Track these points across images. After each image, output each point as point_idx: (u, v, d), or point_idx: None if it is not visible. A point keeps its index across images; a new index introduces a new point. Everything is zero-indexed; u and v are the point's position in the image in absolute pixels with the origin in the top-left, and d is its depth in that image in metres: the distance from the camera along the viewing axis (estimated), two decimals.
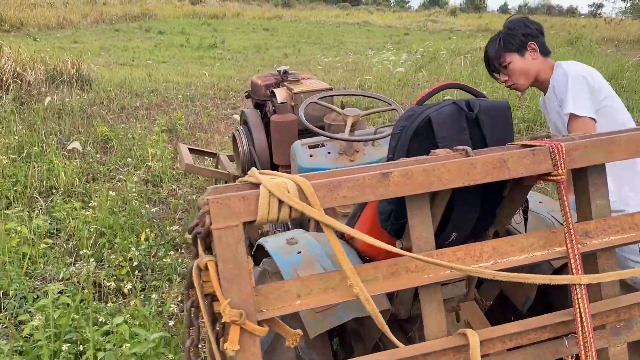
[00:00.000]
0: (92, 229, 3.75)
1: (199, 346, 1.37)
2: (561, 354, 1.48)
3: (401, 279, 1.34)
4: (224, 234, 1.19)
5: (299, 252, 1.82)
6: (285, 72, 3.34)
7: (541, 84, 2.50)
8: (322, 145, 2.63)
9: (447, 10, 28.13)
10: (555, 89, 2.36)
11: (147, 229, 3.70)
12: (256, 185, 1.28)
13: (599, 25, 21.93)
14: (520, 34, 2.43)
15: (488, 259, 1.38)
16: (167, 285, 3.21)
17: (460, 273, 1.33)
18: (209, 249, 1.26)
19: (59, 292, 2.69)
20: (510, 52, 2.43)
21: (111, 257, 3.39)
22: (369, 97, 2.90)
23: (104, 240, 3.61)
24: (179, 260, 3.48)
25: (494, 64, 2.49)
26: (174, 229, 3.83)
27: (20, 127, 5.90)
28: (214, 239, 1.19)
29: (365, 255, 1.91)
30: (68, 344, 2.40)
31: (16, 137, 5.53)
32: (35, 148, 5.11)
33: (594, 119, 2.21)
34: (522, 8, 52.54)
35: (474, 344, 1.31)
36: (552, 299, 2.00)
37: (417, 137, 1.52)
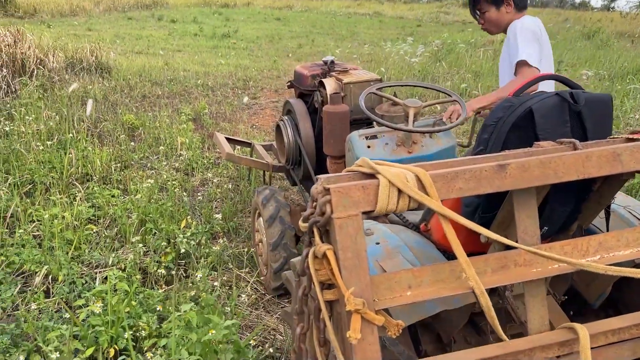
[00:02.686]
0: (133, 216, 3.75)
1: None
2: None
3: (510, 273, 1.33)
4: (344, 223, 1.18)
5: (377, 244, 1.80)
6: (332, 62, 3.31)
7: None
8: (379, 137, 2.61)
9: (460, 1, 27.90)
10: (510, 34, 2.80)
11: (188, 217, 3.70)
12: (369, 175, 1.27)
13: (614, 19, 21.72)
14: None
15: (595, 254, 1.37)
16: (214, 274, 3.21)
17: (571, 267, 1.32)
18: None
19: (116, 279, 2.69)
20: (489, 4, 2.88)
21: (157, 242, 3.39)
22: (429, 88, 2.88)
23: (150, 227, 3.61)
24: (224, 248, 3.48)
25: (474, 9, 2.97)
26: (215, 217, 3.83)
27: (53, 113, 5.89)
28: (335, 228, 1.18)
29: (444, 249, 1.90)
30: (129, 331, 2.40)
31: (49, 124, 5.52)
32: (70, 135, 5.10)
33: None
34: (533, 0, 52.06)
35: (584, 338, 1.30)
36: (625, 297, 1.99)
37: (516, 129, 1.50)
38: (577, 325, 1.33)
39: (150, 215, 3.77)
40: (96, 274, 3.26)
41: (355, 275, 1.19)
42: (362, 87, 3.07)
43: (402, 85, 2.99)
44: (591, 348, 1.42)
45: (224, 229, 3.92)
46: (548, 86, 2.70)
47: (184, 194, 4.29)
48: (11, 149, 4.67)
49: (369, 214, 1.22)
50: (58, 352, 2.33)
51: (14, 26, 8.93)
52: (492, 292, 1.87)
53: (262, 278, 3.37)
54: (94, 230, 3.66)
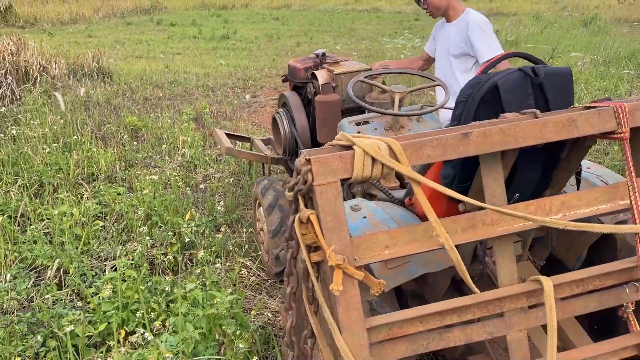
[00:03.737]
0: (139, 211, 3.90)
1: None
2: (622, 301, 1.60)
3: (478, 231, 1.47)
4: (324, 189, 1.32)
5: (365, 217, 1.94)
6: (324, 54, 3.45)
7: (448, 17, 3.34)
8: (368, 122, 2.75)
9: None
10: (471, 27, 3.15)
11: (192, 209, 3.85)
12: (347, 147, 1.41)
13: (612, 5, 21.72)
14: None
15: (557, 212, 1.50)
16: (218, 261, 3.35)
17: (534, 224, 1.46)
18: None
19: (125, 267, 2.84)
20: None
21: (163, 234, 3.54)
22: (413, 74, 3.01)
23: (155, 220, 3.76)
24: (227, 238, 3.62)
25: None
26: (218, 209, 3.98)
27: (58, 117, 6.06)
28: (316, 194, 1.31)
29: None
30: (139, 312, 2.55)
31: (54, 128, 5.68)
32: (75, 137, 5.26)
33: None
34: None
35: (548, 289, 1.43)
36: (603, 258, 2.12)
37: (484, 103, 1.64)
38: (542, 277, 1.47)
39: (156, 209, 3.92)
40: (105, 266, 3.41)
41: (336, 236, 1.33)
42: (352, 77, 3.21)
43: (387, 73, 3.13)
44: (560, 299, 1.55)
45: (227, 220, 4.06)
46: None
47: (187, 188, 4.44)
48: (19, 153, 4.83)
49: (345, 181, 1.36)
50: (72, 336, 2.48)
51: (16, 35, 9.11)
52: (474, 259, 2.01)
53: (264, 265, 3.51)
54: (101, 226, 3.81)
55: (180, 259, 3.40)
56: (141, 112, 7.48)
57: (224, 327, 2.25)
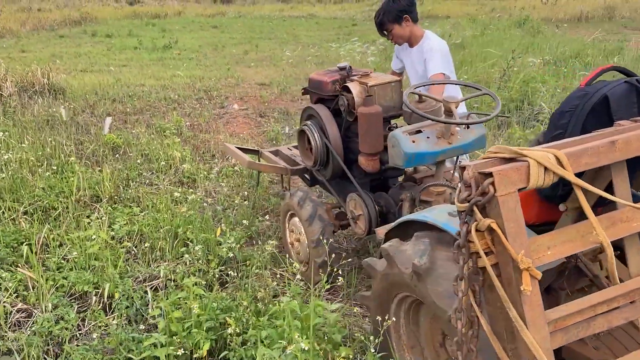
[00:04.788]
0: (162, 230, 3.86)
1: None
2: None
3: (618, 228, 1.65)
4: (506, 199, 1.45)
5: None
6: (350, 67, 3.57)
7: (410, 43, 3.95)
8: (420, 132, 2.90)
9: None
10: (426, 51, 3.80)
11: (222, 224, 3.85)
12: (508, 160, 1.54)
13: (536, 6, 23.08)
14: (396, 10, 3.77)
15: None
16: (263, 273, 3.39)
17: None
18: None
19: (194, 284, 2.83)
20: (391, 23, 3.83)
21: (198, 251, 3.53)
22: (465, 85, 3.20)
23: (185, 237, 3.75)
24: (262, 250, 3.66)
25: (381, 30, 3.91)
26: (243, 223, 4.00)
27: (32, 139, 5.82)
28: (499, 204, 1.44)
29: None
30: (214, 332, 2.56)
31: (38, 152, 5.47)
32: (61, 159, 5.10)
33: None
34: None
35: None
36: None
37: (593, 113, 1.82)
38: None
39: (180, 227, 3.90)
40: (146, 287, 3.37)
41: (518, 241, 1.47)
42: (385, 89, 3.36)
43: (438, 84, 3.31)
44: None
45: (249, 234, 4.10)
46: (456, 90, 3.79)
47: (205, 204, 4.43)
48: (14, 178, 4.64)
49: (521, 190, 1.50)
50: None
51: None
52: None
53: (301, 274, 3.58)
54: (128, 247, 3.76)
55: (226, 274, 3.41)
56: (112, 129, 7.30)
57: (333, 335, 2.32)
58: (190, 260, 3.50)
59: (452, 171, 3.24)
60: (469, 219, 1.51)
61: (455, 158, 3.20)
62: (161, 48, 16.35)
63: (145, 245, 3.75)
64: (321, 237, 3.37)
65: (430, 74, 3.74)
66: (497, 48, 10.93)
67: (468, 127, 2.95)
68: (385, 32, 3.92)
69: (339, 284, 2.89)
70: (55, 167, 5.04)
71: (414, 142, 2.84)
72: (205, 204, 4.50)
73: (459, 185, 1.52)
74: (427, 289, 2.03)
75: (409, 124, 3.22)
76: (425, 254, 2.07)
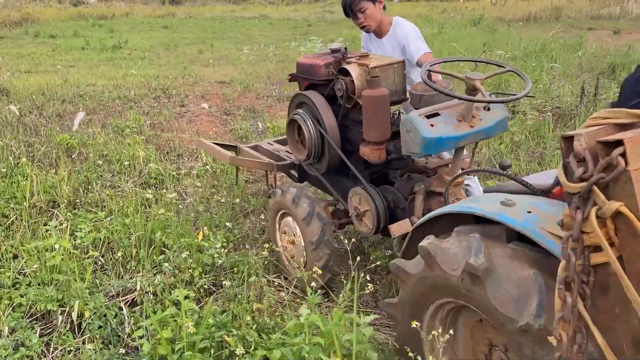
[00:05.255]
0: (134, 236, 3.39)
1: None
2: None
3: None
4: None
5: (529, 212, 1.77)
6: (346, 49, 3.22)
7: (380, 31, 3.59)
8: (438, 114, 2.57)
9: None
10: (401, 37, 3.50)
11: (204, 227, 3.41)
12: (626, 126, 1.23)
13: (485, 7, 23.41)
14: None
15: None
16: (260, 281, 2.99)
17: None
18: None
19: (185, 298, 2.40)
20: (365, 0, 3.41)
21: (178, 259, 3.09)
22: (486, 62, 2.89)
23: (161, 243, 3.30)
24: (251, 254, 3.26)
25: (352, 9, 3.46)
26: (226, 225, 3.58)
27: None
28: (632, 181, 1.12)
29: None
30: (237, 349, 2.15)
31: None
32: (15, 159, 4.53)
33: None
34: None
35: None
36: None
37: None
38: None
39: (155, 232, 3.44)
40: (120, 302, 2.91)
41: None
42: (387, 71, 3.02)
43: (454, 61, 2.98)
44: None
45: (237, 237, 3.68)
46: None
47: (180, 206, 3.97)
48: None
49: None
50: None
51: None
52: None
53: (293, 279, 3.20)
54: (96, 257, 3.28)
55: (212, 283, 2.99)
56: (63, 129, 6.69)
57: (367, 353, 1.95)
58: (170, 270, 3.05)
59: (467, 159, 2.92)
60: (583, 203, 1.19)
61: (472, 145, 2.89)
62: (110, 48, 15.58)
63: (117, 254, 3.28)
64: (321, 238, 3.00)
65: (418, 56, 3.46)
66: (459, 44, 10.85)
67: (489, 109, 2.64)
68: (356, 13, 3.50)
69: (367, 292, 2.48)
70: (4, 170, 4.46)
71: (432, 125, 2.51)
72: (180, 206, 4.04)
73: (568, 161, 1.19)
74: (486, 293, 1.69)
75: (417, 109, 2.89)
76: (480, 252, 1.73)
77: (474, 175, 3.39)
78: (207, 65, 12.59)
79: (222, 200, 4.10)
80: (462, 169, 2.77)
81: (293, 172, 3.79)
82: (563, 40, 11.31)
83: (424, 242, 1.94)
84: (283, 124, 6.58)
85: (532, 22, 21.19)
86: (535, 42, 10.39)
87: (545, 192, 1.96)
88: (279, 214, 3.37)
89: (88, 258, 3.22)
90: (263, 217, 4.16)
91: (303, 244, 3.14)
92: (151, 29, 21.47)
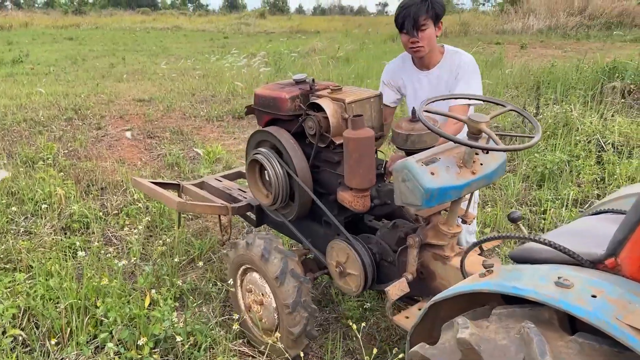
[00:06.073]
0: (63, 305, 2.80)
1: None
2: None
3: None
4: None
5: (594, 296, 1.46)
6: (313, 80, 2.84)
7: (427, 60, 2.94)
8: (437, 160, 2.25)
9: (257, 12, 28.22)
10: (456, 68, 2.87)
11: (152, 290, 2.86)
12: None
13: (390, 23, 23.95)
14: (441, 5, 2.81)
15: None
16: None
17: None
18: None
19: None
20: (431, 19, 2.78)
21: (124, 334, 2.56)
22: (488, 101, 2.58)
23: (100, 312, 2.73)
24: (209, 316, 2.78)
25: (413, 23, 2.76)
26: (176, 283, 3.06)
27: None
28: None
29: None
30: None
31: None
32: None
33: None
34: (317, 9, 55.52)
35: None
36: None
37: None
38: None
39: (90, 298, 2.87)
40: None
41: None
42: (364, 106, 2.67)
43: (455, 98, 2.65)
44: None
45: (184, 293, 3.18)
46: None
47: (140, 260, 3.38)
48: None
49: None
50: None
51: None
52: None
53: (263, 347, 2.76)
54: (16, 335, 2.66)
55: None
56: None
57: None
58: (114, 350, 2.51)
59: (464, 207, 2.62)
60: None
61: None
62: (10, 62, 14.28)
63: (42, 328, 2.68)
64: (298, 299, 2.59)
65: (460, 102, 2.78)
66: (385, 59, 10.80)
67: (487, 152, 2.36)
68: (416, 30, 2.78)
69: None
70: None
71: (433, 174, 2.18)
72: (113, 258, 3.45)
73: None
74: None
75: (401, 149, 2.57)
76: (545, 351, 1.40)
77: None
78: (120, 80, 11.76)
79: (162, 246, 3.56)
80: (460, 218, 2.47)
81: (251, 214, 3.36)
82: (484, 56, 11.58)
83: (464, 333, 1.58)
84: (219, 148, 6.09)
85: (443, 38, 21.81)
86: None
87: (595, 263, 1.67)
88: (241, 269, 2.92)
89: (8, 338, 2.60)
90: (214, 263, 3.68)
91: (274, 305, 2.71)
92: (55, 41, 20.03)
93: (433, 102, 2.36)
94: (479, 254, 2.57)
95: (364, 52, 13.29)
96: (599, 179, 4.70)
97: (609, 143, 5.30)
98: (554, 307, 1.47)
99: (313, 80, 2.85)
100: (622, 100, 6.68)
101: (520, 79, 9.00)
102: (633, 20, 25.60)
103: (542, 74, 8.82)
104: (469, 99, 2.50)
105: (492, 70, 9.85)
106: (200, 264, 3.34)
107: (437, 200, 2.21)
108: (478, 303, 1.79)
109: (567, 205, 4.32)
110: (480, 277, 1.93)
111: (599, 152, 5.20)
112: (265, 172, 2.86)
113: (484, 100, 2.54)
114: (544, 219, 4.14)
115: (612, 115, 6.16)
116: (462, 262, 2.10)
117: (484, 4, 51.04)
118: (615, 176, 4.63)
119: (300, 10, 55.57)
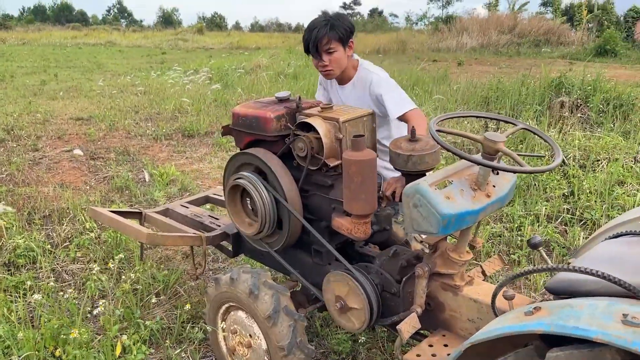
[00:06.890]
0: (15, 357, 2.41)
1: None
2: None
3: None
4: None
5: None
6: (300, 97, 2.61)
7: (342, 77, 2.90)
8: (450, 183, 2.07)
9: (194, 28, 27.66)
10: (374, 85, 2.79)
11: (123, 337, 2.51)
12: None
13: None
14: (346, 26, 2.71)
15: None
16: None
17: None
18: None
19: None
20: (336, 41, 2.71)
21: None
22: (495, 119, 2.42)
23: None
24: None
25: (318, 47, 2.71)
26: (147, 323, 2.71)
27: None
28: None
29: None
30: None
31: None
32: None
33: None
34: (255, 26, 55.13)
35: None
36: None
37: None
38: None
39: (48, 345, 2.49)
40: None
41: None
42: (357, 125, 2.48)
43: (465, 117, 2.48)
44: None
45: (153, 335, 2.84)
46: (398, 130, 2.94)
47: (75, 303, 2.99)
48: None
49: None
50: None
51: None
52: None
53: None
54: None
55: None
56: None
57: None
58: None
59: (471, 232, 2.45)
60: None
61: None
62: None
63: None
64: (294, 340, 2.33)
65: (403, 111, 2.75)
66: None
67: (497, 173, 2.21)
68: (321, 54, 2.75)
69: None
70: None
71: (448, 198, 2.00)
72: (67, 297, 3.06)
73: None
74: None
75: (400, 171, 2.38)
76: None
77: None
78: (55, 98, 11.08)
79: (126, 284, 3.20)
80: (469, 244, 2.30)
81: (227, 243, 3.08)
82: (430, 72, 11.73)
83: None
84: (172, 169, 5.73)
85: (382, 55, 22.17)
86: (408, 75, 10.59)
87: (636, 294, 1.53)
88: (223, 307, 2.62)
89: None
90: (182, 297, 3.35)
91: (265, 347, 2.44)
92: None
93: (444, 119, 2.19)
94: (482, 280, 2.43)
95: (310, 69, 13.16)
96: (567, 193, 4.71)
97: (569, 157, 5.36)
98: (626, 349, 1.30)
99: (299, 98, 2.63)
100: (580, 115, 6.84)
101: (469, 95, 9.12)
102: (559, 38, 27.04)
103: (489, 89, 8.96)
104: (487, 118, 2.36)
105: (440, 86, 9.96)
106: (165, 299, 3.02)
107: (454, 227, 2.03)
108: (507, 341, 1.62)
109: (539, 221, 4.28)
110: (527, 316, 1.74)
111: (562, 166, 5.25)
112: (249, 198, 2.60)
113: (497, 120, 2.39)
114: (520, 236, 4.08)
115: (569, 130, 6.28)
116: (493, 298, 1.92)
117: (416, 23, 52.63)
118: (582, 190, 4.65)
119: (237, 27, 55.07)
